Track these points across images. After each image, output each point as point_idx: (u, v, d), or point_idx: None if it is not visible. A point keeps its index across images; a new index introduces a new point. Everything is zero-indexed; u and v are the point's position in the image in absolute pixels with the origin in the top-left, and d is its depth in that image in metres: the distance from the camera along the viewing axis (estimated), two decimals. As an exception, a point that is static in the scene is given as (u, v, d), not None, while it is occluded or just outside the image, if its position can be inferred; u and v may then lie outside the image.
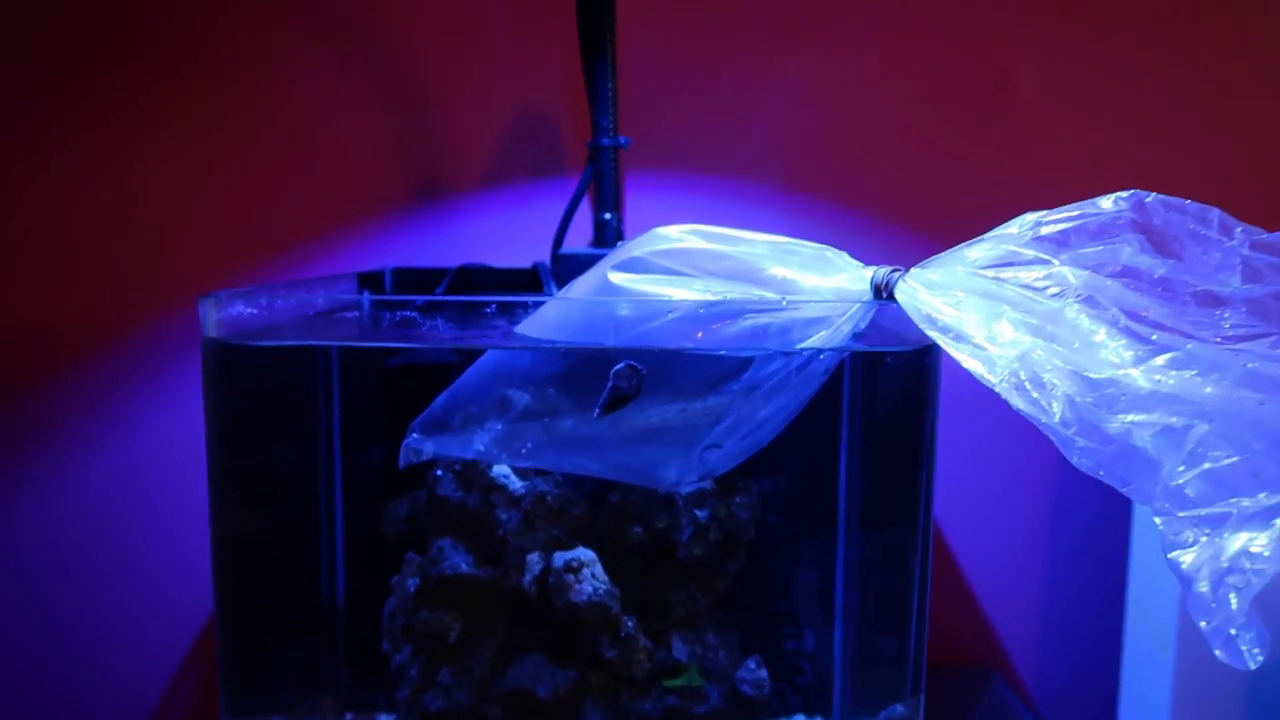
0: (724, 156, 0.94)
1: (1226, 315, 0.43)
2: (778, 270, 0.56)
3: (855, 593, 0.69)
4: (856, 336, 0.55)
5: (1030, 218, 0.48)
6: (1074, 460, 0.43)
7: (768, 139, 0.94)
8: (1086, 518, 0.98)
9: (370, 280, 0.82)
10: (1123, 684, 0.89)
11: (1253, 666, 0.37)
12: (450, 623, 0.67)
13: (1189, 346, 0.42)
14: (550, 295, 0.76)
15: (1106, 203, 0.46)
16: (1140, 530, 0.87)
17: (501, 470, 0.69)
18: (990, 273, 0.48)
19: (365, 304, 0.65)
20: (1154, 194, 0.45)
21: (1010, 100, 0.94)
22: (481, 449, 0.62)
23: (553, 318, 0.60)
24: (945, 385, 0.62)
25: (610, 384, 0.56)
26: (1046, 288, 0.46)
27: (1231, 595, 0.37)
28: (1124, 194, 0.46)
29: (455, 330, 0.60)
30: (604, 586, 0.65)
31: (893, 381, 0.64)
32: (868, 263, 0.55)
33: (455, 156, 0.95)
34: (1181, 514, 0.39)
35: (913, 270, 0.52)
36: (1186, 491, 0.39)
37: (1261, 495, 0.38)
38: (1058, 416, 0.43)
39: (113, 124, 0.92)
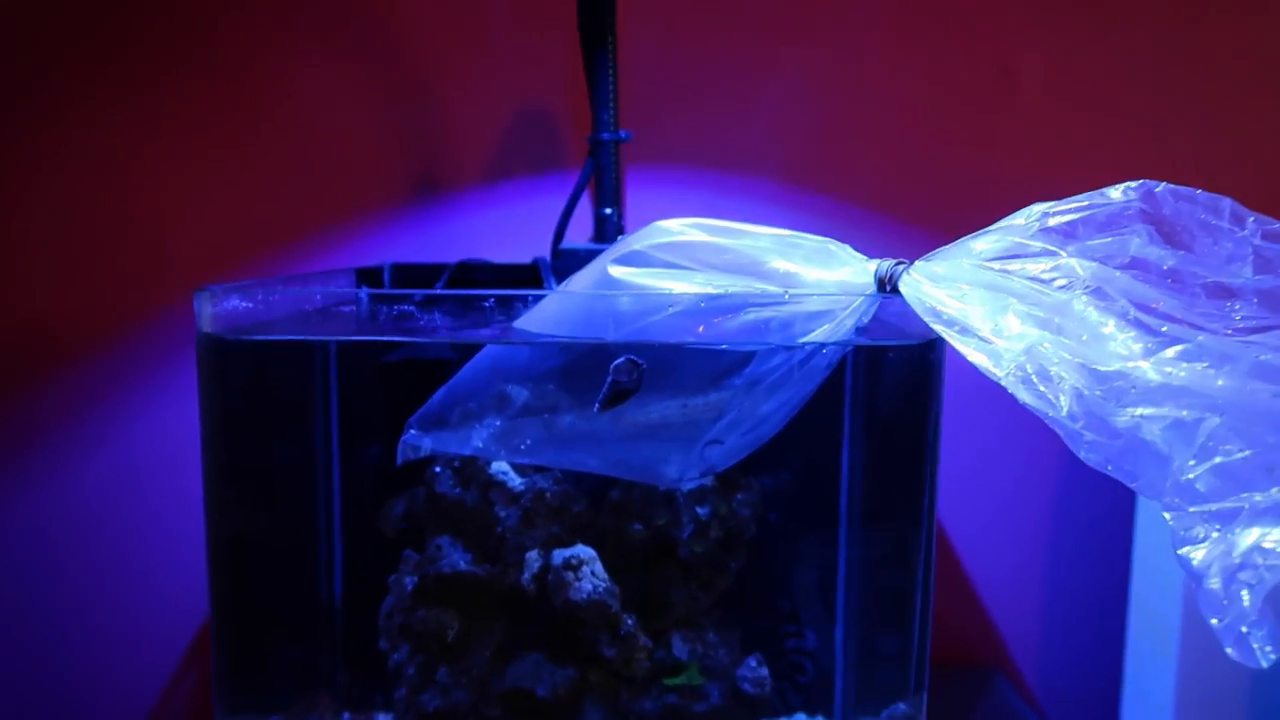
0: (726, 150, 0.94)
1: (1238, 307, 0.42)
2: (780, 264, 0.55)
3: (857, 591, 0.69)
4: (860, 330, 0.55)
5: (1037, 209, 0.47)
6: (1082, 455, 0.42)
7: (770, 132, 0.93)
8: (1090, 515, 0.97)
9: (369, 276, 0.81)
10: (1126, 682, 0.89)
11: (1265, 665, 0.36)
12: (448, 621, 0.67)
13: (1200, 338, 0.41)
14: (550, 290, 0.75)
15: (1115, 193, 0.45)
16: (1144, 528, 0.87)
17: (500, 467, 0.68)
18: (996, 265, 0.47)
19: (363, 298, 0.64)
20: (1164, 184, 0.44)
21: (1014, 93, 0.93)
22: (480, 445, 0.62)
23: (552, 312, 0.60)
24: (949, 380, 0.62)
25: (610, 379, 0.56)
26: (1054, 279, 0.45)
27: (1243, 592, 0.37)
28: (1133, 184, 0.45)
29: (454, 325, 0.59)
30: (604, 584, 0.65)
31: (896, 376, 0.64)
32: (871, 255, 0.54)
33: (455, 151, 0.94)
34: (1192, 509, 0.39)
35: (917, 263, 0.51)
36: (1197, 486, 0.39)
37: (1274, 490, 0.38)
38: (1065, 410, 0.42)
39: (110, 121, 0.91)
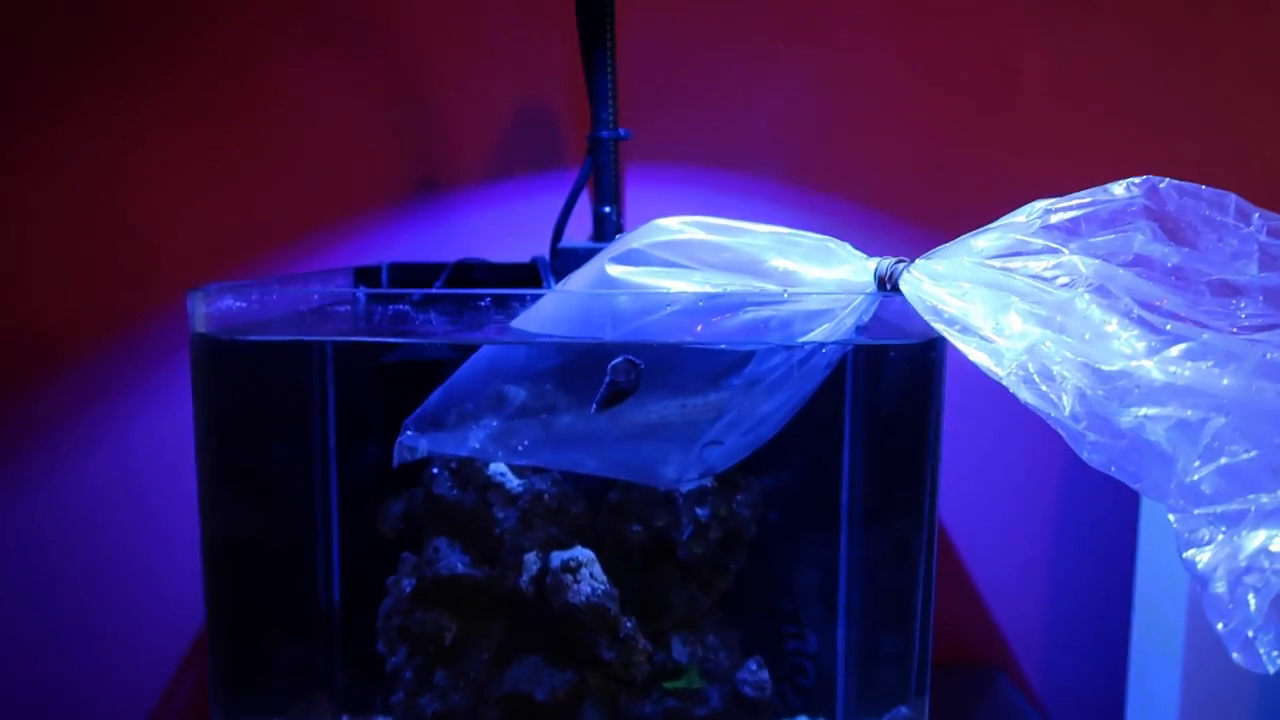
0: (725, 148, 0.93)
1: (1243, 304, 0.42)
2: (779, 262, 0.55)
3: (859, 592, 0.68)
4: (860, 330, 0.55)
5: (1039, 205, 0.47)
6: (1084, 456, 0.42)
7: (770, 130, 0.93)
8: (1093, 515, 0.97)
9: (367, 275, 0.81)
10: (1130, 683, 0.88)
11: (1272, 670, 0.36)
12: (446, 624, 0.66)
13: (1204, 337, 0.40)
14: (548, 289, 0.75)
15: (1118, 189, 0.45)
16: (1148, 527, 0.86)
17: (498, 468, 0.68)
18: (998, 263, 0.47)
19: (360, 298, 0.64)
20: (1168, 179, 0.44)
21: (1015, 90, 0.93)
22: (477, 446, 0.61)
23: (550, 311, 0.59)
24: (951, 379, 0.61)
25: (608, 379, 0.55)
26: (1056, 277, 0.45)
27: (1250, 595, 0.36)
28: (1136, 180, 0.44)
29: (451, 325, 0.59)
30: (602, 586, 0.64)
31: (897, 375, 0.63)
32: (871, 254, 0.54)
33: (453, 150, 0.94)
34: (1197, 511, 0.38)
35: (918, 261, 0.51)
36: (1202, 488, 0.38)
37: (1281, 491, 0.37)
38: (1068, 410, 0.41)
39: (106, 119, 0.91)
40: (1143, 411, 0.40)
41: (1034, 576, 0.98)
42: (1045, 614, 0.98)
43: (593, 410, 0.57)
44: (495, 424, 0.61)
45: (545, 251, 0.81)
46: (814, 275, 0.54)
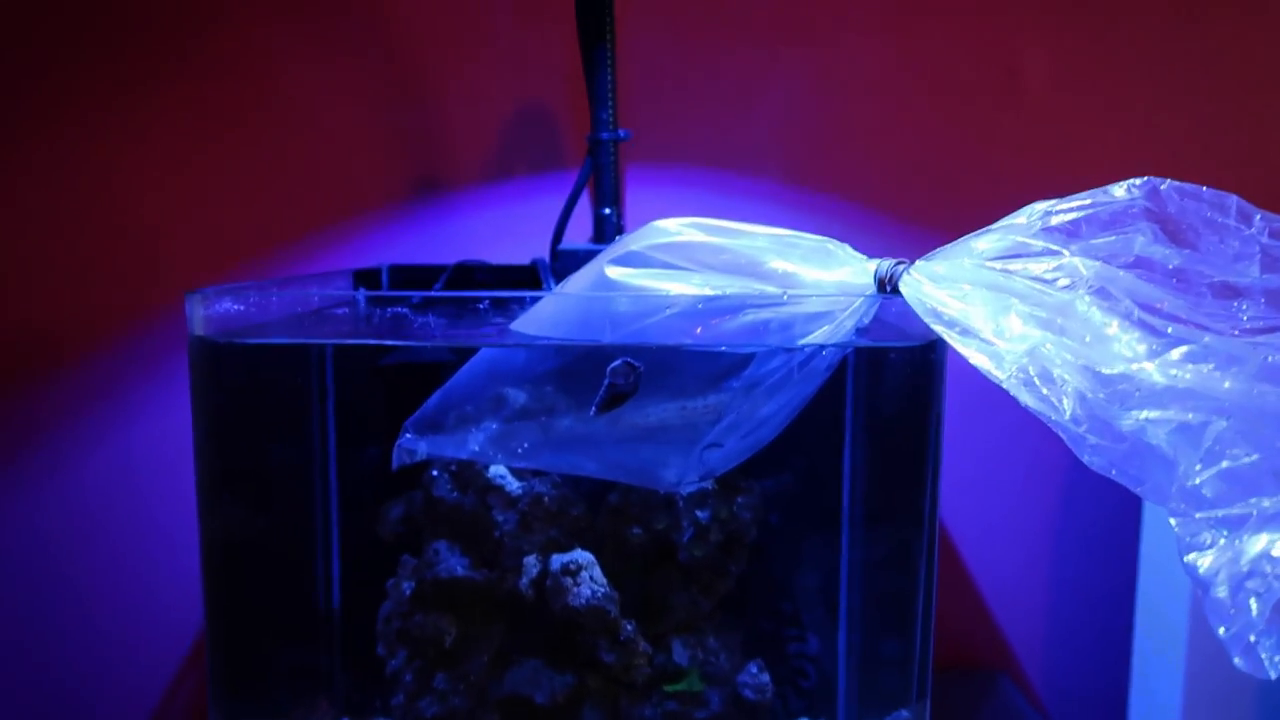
0: (726, 149, 0.93)
1: (1245, 306, 0.41)
2: (778, 264, 0.54)
3: (860, 594, 0.68)
4: (860, 332, 0.54)
5: (1040, 207, 0.47)
6: (1085, 459, 0.41)
7: (771, 130, 0.93)
8: (1096, 516, 0.96)
9: (367, 277, 0.81)
10: (1133, 686, 0.88)
11: (1274, 675, 0.35)
12: (446, 627, 0.66)
13: (1206, 339, 0.40)
14: (548, 292, 0.75)
15: (1119, 190, 0.44)
16: (1151, 529, 0.86)
17: (498, 470, 0.68)
18: (998, 264, 0.46)
19: (360, 300, 0.64)
20: (1169, 181, 0.43)
21: (1016, 91, 0.93)
22: (477, 449, 0.61)
23: (549, 314, 0.59)
24: (953, 380, 0.61)
25: (607, 382, 0.55)
26: (1056, 279, 0.44)
27: (1251, 600, 0.36)
28: (1137, 181, 0.44)
29: (450, 327, 0.59)
30: (603, 589, 0.64)
31: (897, 378, 0.63)
32: (871, 255, 0.54)
33: (453, 151, 0.94)
34: (1199, 515, 0.38)
35: (918, 263, 0.51)
36: (1204, 491, 0.38)
37: (1283, 495, 0.37)
38: (1068, 413, 0.41)
39: (107, 121, 0.91)
40: (1144, 415, 0.40)
41: (1036, 579, 0.98)
42: (1047, 616, 0.98)
43: (592, 413, 0.56)
44: (495, 426, 0.61)
45: (545, 253, 0.81)
46: (813, 277, 0.54)
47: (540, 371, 0.60)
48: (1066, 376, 0.42)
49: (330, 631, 0.73)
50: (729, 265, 0.55)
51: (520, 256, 0.83)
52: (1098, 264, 0.44)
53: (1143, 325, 0.42)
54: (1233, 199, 0.43)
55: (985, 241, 0.48)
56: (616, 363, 0.55)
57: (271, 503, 0.70)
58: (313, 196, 0.93)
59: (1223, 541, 0.37)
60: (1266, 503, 0.37)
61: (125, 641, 0.95)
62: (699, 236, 0.56)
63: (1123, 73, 0.93)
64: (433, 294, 0.60)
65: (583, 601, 0.64)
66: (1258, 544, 0.36)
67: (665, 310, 0.55)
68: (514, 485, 0.67)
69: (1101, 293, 0.43)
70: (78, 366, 0.92)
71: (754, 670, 0.68)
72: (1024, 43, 0.92)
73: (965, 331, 0.46)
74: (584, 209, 0.83)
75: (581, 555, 0.65)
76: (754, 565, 0.69)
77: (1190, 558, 0.38)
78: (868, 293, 0.53)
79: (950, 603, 0.96)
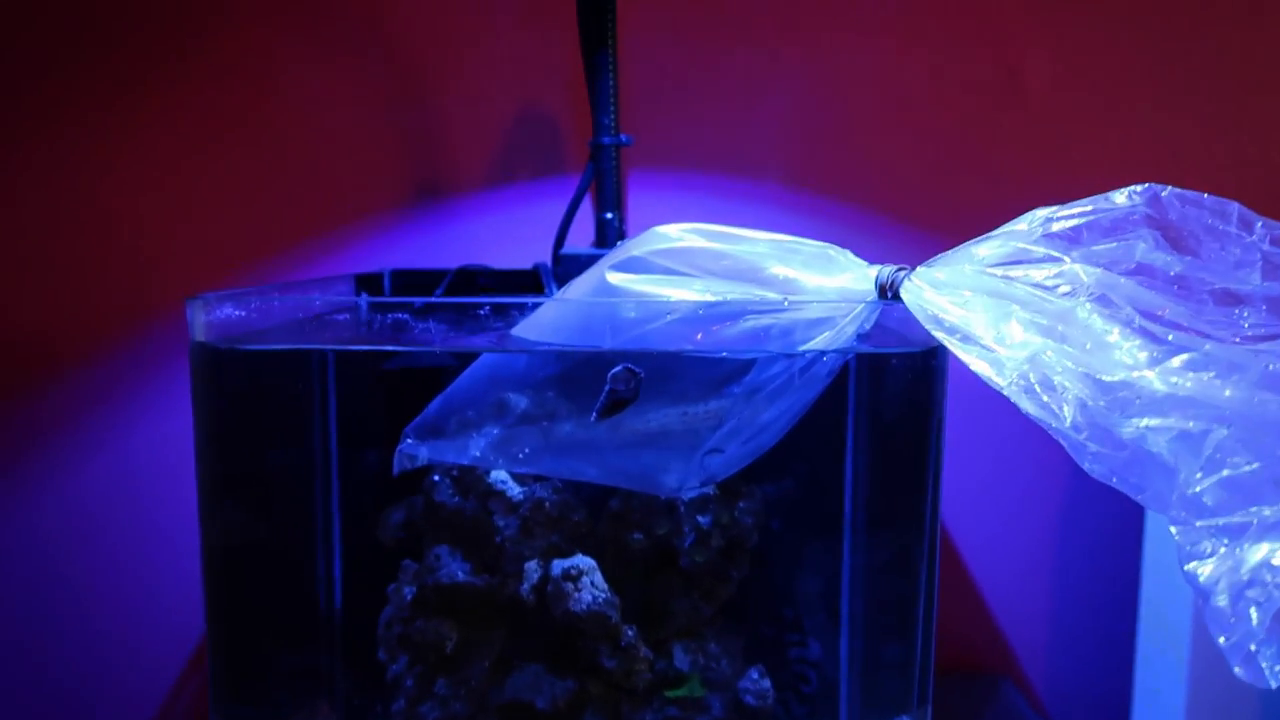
0: (728, 153, 0.93)
1: (1246, 314, 0.41)
2: (779, 269, 0.54)
3: (861, 599, 0.68)
4: (861, 338, 0.54)
5: (1041, 214, 0.47)
6: (1086, 466, 0.41)
7: (772, 135, 0.93)
8: (1097, 521, 0.96)
9: (368, 282, 0.81)
10: (1136, 690, 0.88)
11: (1274, 684, 0.35)
12: (447, 632, 0.66)
13: (1207, 347, 0.40)
14: (550, 297, 0.75)
15: (1120, 197, 0.44)
16: (1153, 534, 0.86)
17: (499, 476, 0.68)
18: (999, 271, 0.46)
19: (362, 306, 0.64)
20: (1170, 188, 0.43)
21: (1019, 96, 0.92)
22: (478, 454, 0.61)
23: (550, 319, 0.59)
24: (956, 385, 0.61)
25: (607, 387, 0.55)
26: (1057, 286, 0.44)
27: (1252, 609, 0.36)
28: (1138, 188, 0.44)
29: (451, 333, 0.59)
30: (604, 595, 0.64)
31: (898, 384, 0.63)
32: (872, 261, 0.54)
33: (455, 156, 0.94)
34: (1199, 523, 0.38)
35: (919, 269, 0.51)
36: (1204, 500, 0.38)
37: (1284, 504, 0.37)
38: (1069, 421, 0.41)
39: (106, 125, 0.91)
40: (1144, 422, 0.40)
41: (1038, 584, 0.97)
42: (1050, 621, 0.98)
43: (593, 418, 0.56)
44: (496, 432, 0.60)
45: (548, 258, 0.81)
46: (814, 283, 0.54)
47: (541, 377, 0.60)
48: (1067, 384, 0.42)
49: (331, 636, 0.73)
50: (730, 271, 0.55)
51: (522, 261, 0.83)
52: (1099, 271, 0.44)
53: (1144, 332, 0.42)
54: (1234, 206, 0.43)
55: (986, 248, 0.48)
56: (618, 368, 0.55)
57: (273, 508, 0.70)
58: (314, 200, 0.93)
59: (1223, 550, 0.37)
60: (1267, 511, 0.37)
61: (126, 646, 0.95)
62: (700, 242, 0.56)
63: (1123, 73, 0.92)
64: (434, 299, 0.60)
65: (584, 607, 0.64)
66: (1258, 553, 0.36)
67: (666, 316, 0.55)
68: (515, 490, 0.67)
69: (1102, 300, 0.43)
70: (78, 371, 0.92)
71: (755, 676, 0.68)
72: (1027, 49, 0.92)
73: (966, 338, 0.46)
74: (586, 214, 0.83)
75: (583, 561, 0.65)
76: (755, 570, 0.69)
77: (1191, 566, 0.38)
78: (869, 299, 0.53)
79: (953, 607, 0.96)
